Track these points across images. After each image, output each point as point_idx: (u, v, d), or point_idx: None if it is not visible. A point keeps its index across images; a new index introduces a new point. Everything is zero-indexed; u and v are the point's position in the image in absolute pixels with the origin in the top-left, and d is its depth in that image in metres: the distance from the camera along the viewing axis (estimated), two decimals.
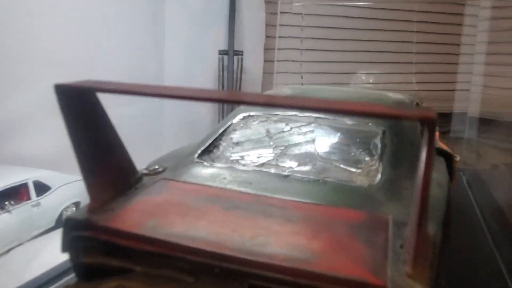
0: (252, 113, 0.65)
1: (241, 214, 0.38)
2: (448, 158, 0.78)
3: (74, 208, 1.40)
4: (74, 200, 1.41)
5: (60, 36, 1.36)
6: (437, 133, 1.02)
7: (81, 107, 0.37)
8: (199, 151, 0.55)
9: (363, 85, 1.86)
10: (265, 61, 1.68)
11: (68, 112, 0.36)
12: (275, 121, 0.63)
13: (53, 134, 1.37)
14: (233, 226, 0.36)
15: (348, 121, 0.60)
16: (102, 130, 0.40)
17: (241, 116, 0.65)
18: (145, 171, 0.50)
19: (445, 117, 2.03)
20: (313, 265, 0.30)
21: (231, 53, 1.53)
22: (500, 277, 0.79)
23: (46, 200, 1.35)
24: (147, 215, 0.38)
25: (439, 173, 0.59)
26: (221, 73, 1.54)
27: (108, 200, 0.41)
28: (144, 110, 1.44)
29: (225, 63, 1.54)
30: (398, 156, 0.55)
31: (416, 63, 1.86)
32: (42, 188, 1.36)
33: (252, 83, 1.64)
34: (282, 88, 0.81)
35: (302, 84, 1.83)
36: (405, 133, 0.63)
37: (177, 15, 1.51)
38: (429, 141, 0.28)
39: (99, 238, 0.37)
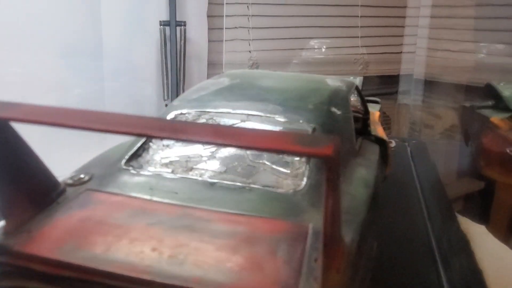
0: (184, 111, 0.62)
1: (164, 230, 0.37)
2: (383, 144, 0.79)
3: None
4: None
5: None
6: (377, 113, 1.02)
7: None
8: (127, 156, 0.52)
9: (312, 52, 1.85)
10: (210, 29, 1.63)
11: None
12: (207, 120, 0.60)
13: None
14: (154, 244, 0.35)
15: (280, 119, 0.58)
16: (13, 152, 0.37)
17: (172, 114, 0.62)
18: (70, 181, 0.48)
19: (393, 79, 2.08)
20: (224, 286, 0.30)
21: (173, 24, 1.47)
22: (429, 252, 0.83)
23: None
24: (66, 236, 0.36)
25: (368, 169, 0.60)
26: (163, 45, 1.48)
27: (26, 219, 0.39)
28: (83, 95, 1.38)
29: (168, 34, 1.48)
30: None
31: (362, 27, 1.87)
32: None
33: (197, 53, 1.59)
34: (220, 77, 0.77)
35: (250, 51, 1.80)
36: (338, 129, 0.62)
37: None
38: (328, 180, 0.27)
39: (14, 264, 0.35)
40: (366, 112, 0.92)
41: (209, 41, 1.63)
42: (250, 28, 1.76)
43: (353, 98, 0.96)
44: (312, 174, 0.49)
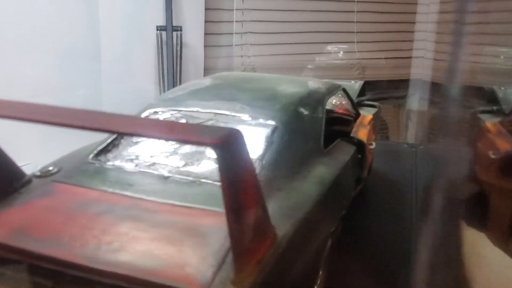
0: (158, 109, 0.66)
1: (109, 219, 0.39)
2: (361, 146, 0.80)
3: None
4: None
5: None
6: (369, 117, 1.03)
7: None
8: (95, 151, 0.56)
9: (309, 57, 1.87)
10: (206, 34, 1.66)
11: None
12: (177, 118, 0.64)
13: None
14: (96, 232, 0.37)
15: (244, 117, 0.62)
16: None
17: (147, 112, 0.67)
18: (38, 173, 0.51)
19: (404, 83, 2.09)
20: (146, 272, 0.33)
21: (169, 29, 1.50)
22: (406, 254, 0.83)
23: None
24: (16, 222, 0.39)
25: (331, 168, 0.62)
26: (160, 50, 1.51)
27: None
28: (81, 97, 1.42)
29: (164, 39, 1.51)
30: (283, 155, 0.56)
31: (358, 32, 1.88)
32: None
33: (194, 58, 1.62)
34: (205, 78, 0.82)
35: (249, 56, 1.82)
36: (303, 128, 0.65)
37: None
38: (219, 169, 0.30)
39: None
40: (357, 115, 0.93)
41: (205, 46, 1.66)
42: (246, 33, 1.78)
43: (345, 101, 0.98)
44: (263, 170, 0.52)
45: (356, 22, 1.85)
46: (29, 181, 0.48)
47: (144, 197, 0.44)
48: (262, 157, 0.54)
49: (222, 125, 0.60)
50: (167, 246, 0.36)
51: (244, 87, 0.74)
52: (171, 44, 1.51)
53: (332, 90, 0.83)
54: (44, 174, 0.51)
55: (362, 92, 1.20)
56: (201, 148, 0.55)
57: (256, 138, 0.58)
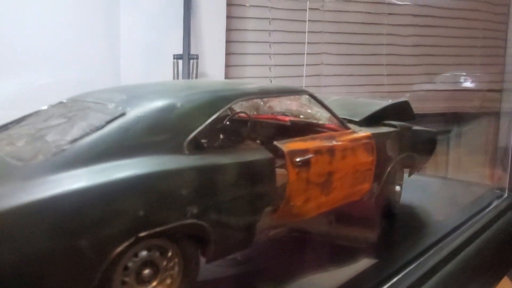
0: (64, 100, 0.78)
1: None
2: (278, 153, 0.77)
3: None
4: None
5: (12, 40, 1.39)
6: (363, 134, 0.95)
7: None
8: None
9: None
10: (227, 66, 1.66)
11: None
12: (69, 106, 0.74)
13: None
14: None
15: (110, 106, 0.68)
16: None
17: (65, 99, 0.77)
18: None
19: None
20: None
21: (185, 57, 1.52)
22: None
23: None
24: None
25: (166, 166, 0.62)
26: (176, 78, 1.53)
27: None
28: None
29: (180, 68, 1.53)
30: (106, 140, 0.59)
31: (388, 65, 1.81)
32: None
33: None
34: None
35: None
36: (163, 122, 0.66)
37: (133, 19, 1.52)
38: None
39: None
40: (343, 126, 0.94)
41: (227, 77, 1.66)
42: (272, 66, 1.77)
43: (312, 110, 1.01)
44: (65, 152, 0.57)
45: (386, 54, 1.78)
46: None
47: None
48: (76, 139, 0.59)
49: (88, 110, 0.69)
50: None
51: (169, 85, 0.88)
52: (186, 72, 1.52)
53: (252, 93, 0.83)
54: None
55: (407, 112, 1.16)
56: (40, 134, 0.66)
57: (92, 122, 0.63)
